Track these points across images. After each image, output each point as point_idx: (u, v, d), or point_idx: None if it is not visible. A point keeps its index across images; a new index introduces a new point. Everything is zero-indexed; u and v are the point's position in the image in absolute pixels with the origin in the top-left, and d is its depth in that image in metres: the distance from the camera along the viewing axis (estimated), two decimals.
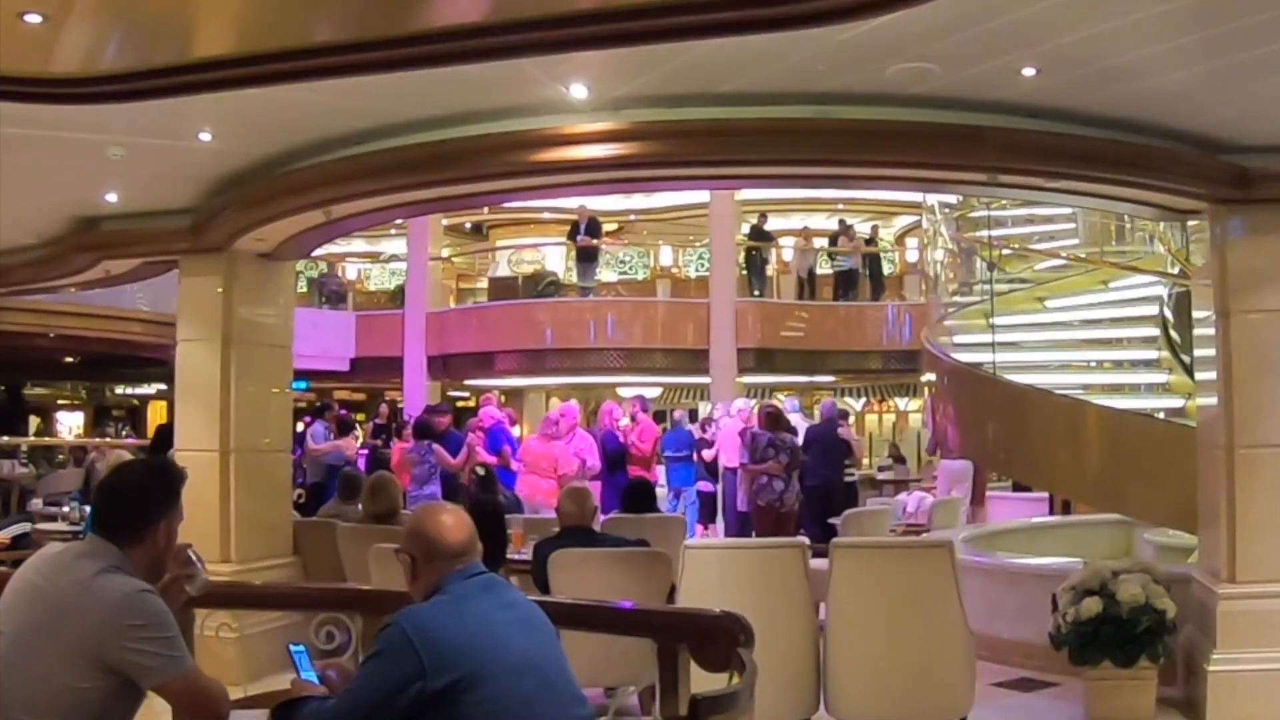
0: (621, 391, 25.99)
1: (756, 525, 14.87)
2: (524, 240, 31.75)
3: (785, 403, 19.68)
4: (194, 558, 4.26)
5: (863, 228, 28.30)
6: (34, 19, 5.53)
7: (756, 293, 25.27)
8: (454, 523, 4.01)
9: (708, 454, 17.74)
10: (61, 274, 11.50)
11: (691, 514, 17.35)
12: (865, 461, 22.27)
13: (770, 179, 10.53)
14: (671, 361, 24.27)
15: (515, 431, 17.65)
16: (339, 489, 11.52)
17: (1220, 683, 7.69)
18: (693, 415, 21.33)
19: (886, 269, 28.89)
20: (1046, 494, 15.64)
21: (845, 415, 19.64)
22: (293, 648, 4.23)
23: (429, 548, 3.96)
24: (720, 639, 4.97)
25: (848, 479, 17.46)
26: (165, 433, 11.72)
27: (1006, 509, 17.04)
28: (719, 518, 18.06)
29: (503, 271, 29.45)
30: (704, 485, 17.80)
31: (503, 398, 19.89)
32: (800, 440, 16.23)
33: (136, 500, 4.01)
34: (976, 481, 16.96)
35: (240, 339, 9.79)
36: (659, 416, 24.34)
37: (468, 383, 28.30)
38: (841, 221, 27.17)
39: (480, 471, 13.26)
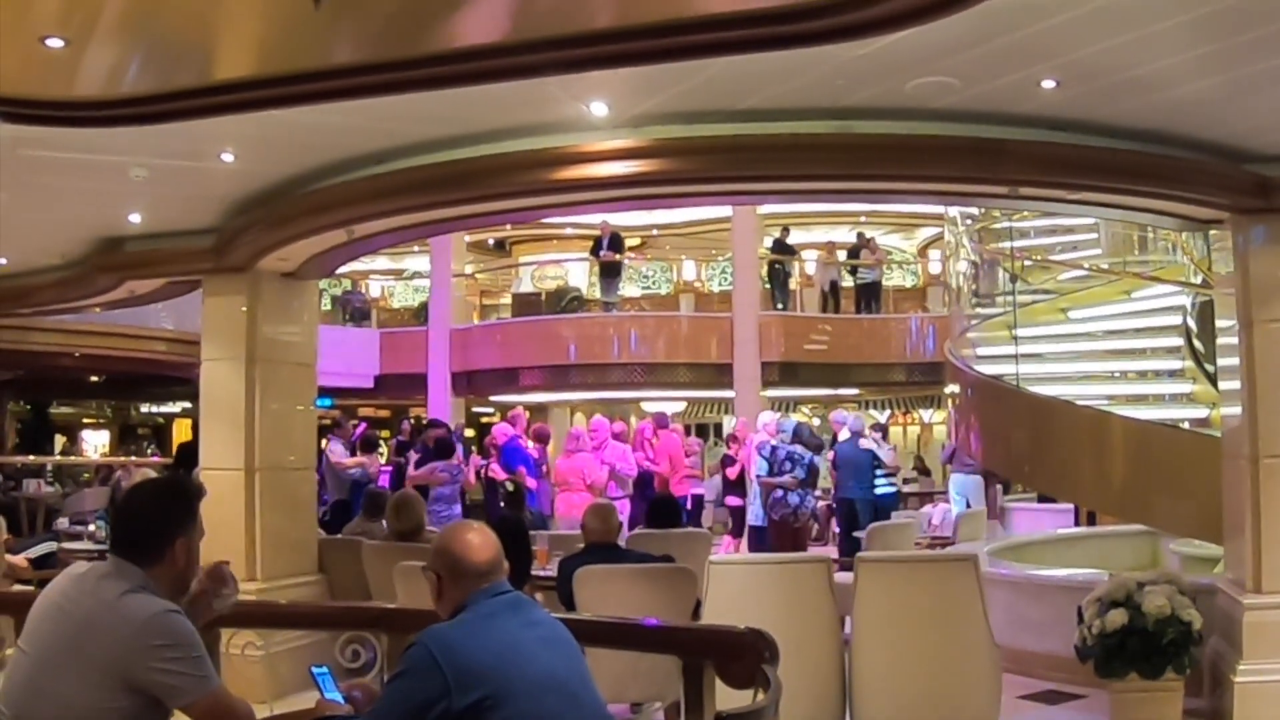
0: (645, 407, 26.05)
1: (773, 539, 14.83)
2: (547, 256, 31.78)
3: (847, 418, 19.46)
4: (230, 577, 4.28)
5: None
6: (56, 43, 5.58)
7: (780, 306, 25.26)
8: (481, 541, 4.03)
9: (732, 471, 17.70)
10: (86, 294, 11.56)
11: None
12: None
13: (791, 194, 10.55)
14: (695, 376, 24.24)
15: (547, 449, 17.59)
16: (364, 506, 11.55)
17: (1247, 694, 7.65)
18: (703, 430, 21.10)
19: (909, 281, 28.89)
20: (1071, 505, 15.60)
21: (880, 429, 19.52)
22: (315, 670, 4.25)
23: (455, 566, 3.97)
24: (745, 656, 4.97)
25: (883, 490, 17.31)
26: (188, 451, 11.74)
27: (1031, 520, 17.00)
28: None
29: (526, 287, 29.46)
30: (732, 499, 17.75)
31: (527, 413, 19.91)
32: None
33: (153, 521, 4.00)
34: (988, 494, 16.94)
35: (265, 358, 9.83)
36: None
37: (492, 399, 28.34)
38: (860, 235, 27.14)
39: (509, 487, 13.30)
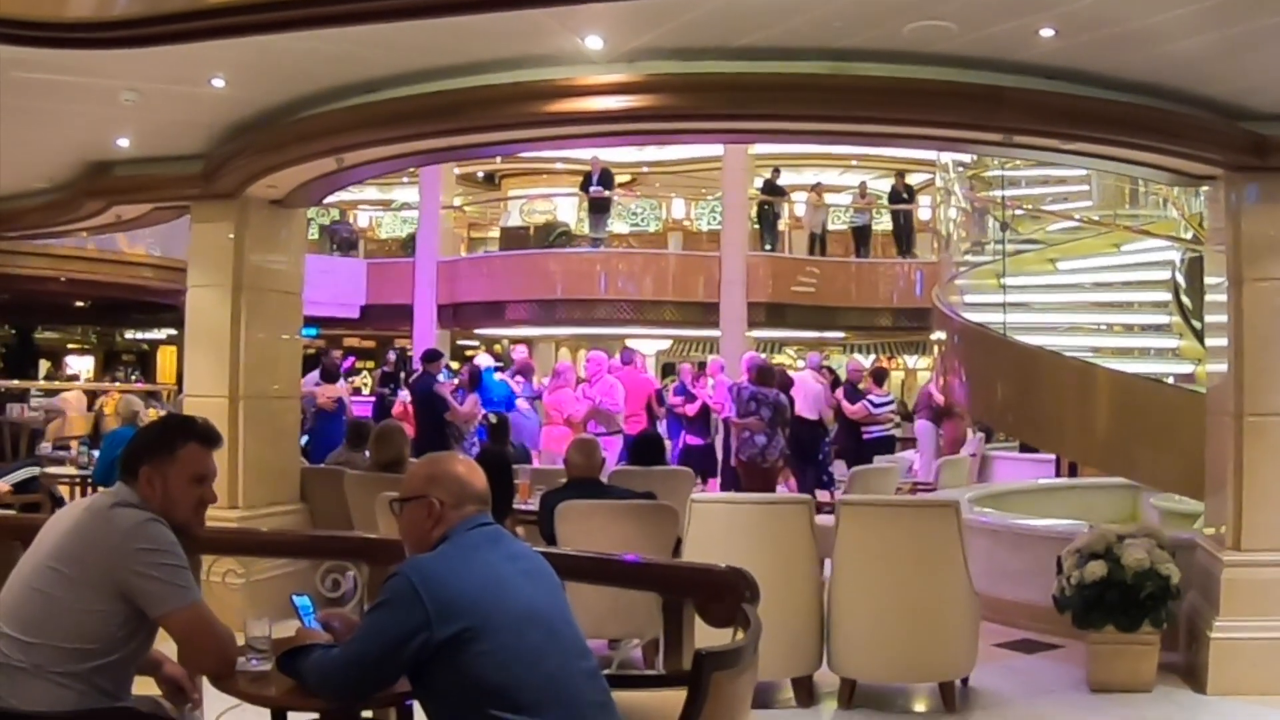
0: (631, 344, 26.10)
1: (743, 480, 14.77)
2: (536, 190, 31.73)
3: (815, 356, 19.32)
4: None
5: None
6: None
7: (768, 247, 25.24)
8: (471, 467, 4.05)
9: (691, 408, 17.53)
10: (73, 219, 11.48)
11: None
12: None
13: (785, 134, 10.50)
14: (681, 314, 24.28)
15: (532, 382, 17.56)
16: (347, 436, 11.55)
17: (1222, 650, 7.71)
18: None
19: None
20: (1053, 455, 15.62)
21: (879, 374, 19.27)
22: (296, 599, 4.25)
23: (461, 490, 3.94)
24: (726, 595, 4.96)
25: (871, 435, 17.17)
26: None
27: (1012, 470, 17.02)
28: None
29: (514, 221, 29.42)
30: (692, 439, 17.62)
31: (515, 347, 19.94)
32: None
33: (131, 443, 4.19)
34: (946, 440, 16.96)
35: (251, 285, 9.77)
36: (668, 369, 24.35)
37: (478, 332, 28.33)
38: (900, 174, 26.91)
39: (492, 419, 13.27)
